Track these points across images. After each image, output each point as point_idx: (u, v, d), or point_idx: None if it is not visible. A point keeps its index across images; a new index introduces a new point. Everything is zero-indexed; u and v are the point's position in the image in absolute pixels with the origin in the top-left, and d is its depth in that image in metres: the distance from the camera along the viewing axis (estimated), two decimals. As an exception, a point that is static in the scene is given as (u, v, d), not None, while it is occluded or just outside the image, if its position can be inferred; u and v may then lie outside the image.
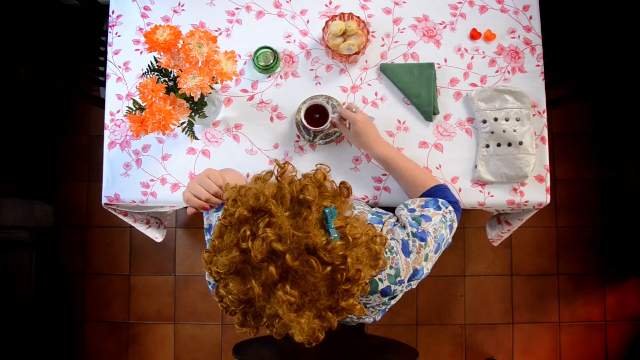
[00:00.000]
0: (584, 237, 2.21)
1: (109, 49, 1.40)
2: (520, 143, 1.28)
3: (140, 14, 1.41)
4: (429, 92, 1.31)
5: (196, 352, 2.22)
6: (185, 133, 1.26)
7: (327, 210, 0.75)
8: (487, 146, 1.31)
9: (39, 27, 1.78)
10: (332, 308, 0.78)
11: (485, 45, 1.36)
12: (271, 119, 1.35)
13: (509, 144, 1.29)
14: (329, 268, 0.73)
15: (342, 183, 0.84)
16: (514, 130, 1.29)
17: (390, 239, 0.96)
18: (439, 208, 1.06)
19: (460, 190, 1.31)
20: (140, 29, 1.40)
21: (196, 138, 1.32)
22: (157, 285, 2.24)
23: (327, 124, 1.26)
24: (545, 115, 1.33)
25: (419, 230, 0.99)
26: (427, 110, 1.31)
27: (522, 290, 2.20)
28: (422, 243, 0.98)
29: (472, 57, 1.35)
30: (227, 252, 0.75)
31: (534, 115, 1.32)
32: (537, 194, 1.31)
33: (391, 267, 0.94)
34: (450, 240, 1.06)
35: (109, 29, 1.41)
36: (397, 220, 1.04)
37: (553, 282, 2.20)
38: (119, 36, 1.40)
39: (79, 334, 2.24)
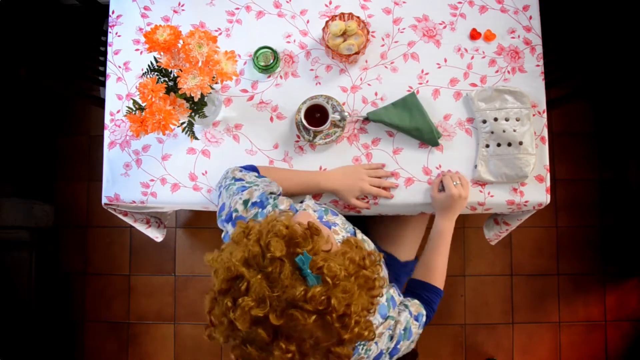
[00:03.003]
0: (584, 237, 2.21)
1: (109, 49, 1.40)
2: (520, 143, 1.28)
3: (140, 14, 1.41)
4: (424, 118, 1.29)
5: (196, 352, 2.22)
6: (185, 133, 1.26)
7: (297, 259, 0.74)
8: (487, 146, 1.31)
9: (39, 27, 1.78)
10: (339, 343, 0.76)
11: (485, 45, 1.36)
12: (271, 119, 1.35)
13: (509, 144, 1.29)
14: (314, 316, 0.72)
15: (308, 224, 0.80)
16: (514, 130, 1.29)
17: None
18: (417, 319, 1.10)
19: (460, 190, 1.31)
20: (140, 29, 1.40)
21: (196, 138, 1.32)
22: (157, 285, 2.24)
23: (327, 124, 1.26)
24: (545, 115, 1.33)
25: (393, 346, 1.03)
26: (431, 137, 1.30)
27: (522, 290, 2.20)
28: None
29: (472, 57, 1.35)
30: (219, 326, 0.77)
31: (534, 115, 1.32)
32: (537, 194, 1.31)
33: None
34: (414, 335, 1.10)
35: (109, 29, 1.41)
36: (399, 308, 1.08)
37: (553, 282, 2.20)
38: (119, 36, 1.40)
39: (79, 334, 2.24)
